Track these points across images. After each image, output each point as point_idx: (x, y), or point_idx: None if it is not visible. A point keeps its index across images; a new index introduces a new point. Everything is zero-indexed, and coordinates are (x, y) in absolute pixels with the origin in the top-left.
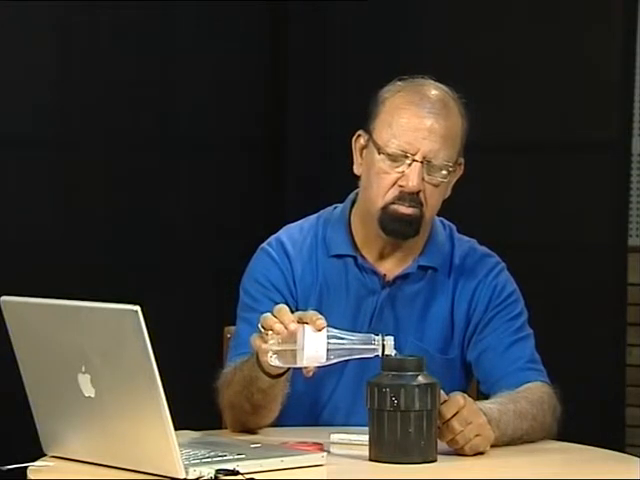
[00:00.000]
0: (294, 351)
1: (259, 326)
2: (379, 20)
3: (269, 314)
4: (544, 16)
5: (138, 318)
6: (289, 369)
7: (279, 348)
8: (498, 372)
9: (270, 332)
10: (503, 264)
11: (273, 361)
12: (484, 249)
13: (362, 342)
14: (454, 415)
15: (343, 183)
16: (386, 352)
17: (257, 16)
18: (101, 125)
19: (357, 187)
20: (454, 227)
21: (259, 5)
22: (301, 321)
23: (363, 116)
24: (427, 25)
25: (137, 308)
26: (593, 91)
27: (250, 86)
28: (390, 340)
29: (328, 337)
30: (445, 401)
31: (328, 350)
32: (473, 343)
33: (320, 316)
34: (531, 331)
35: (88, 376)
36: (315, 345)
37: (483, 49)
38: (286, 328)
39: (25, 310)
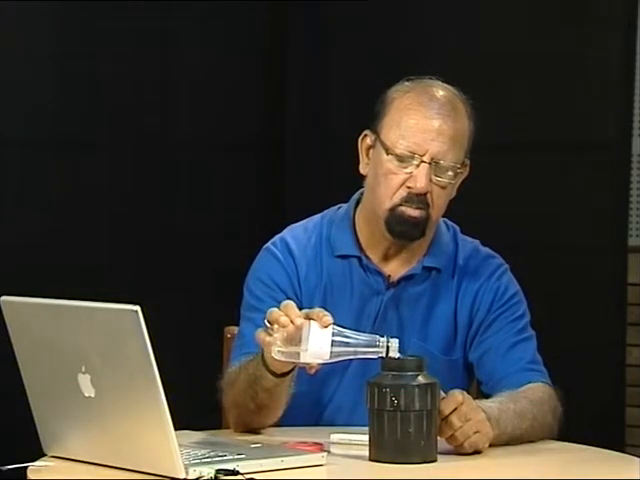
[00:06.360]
0: (298, 346)
1: (265, 320)
2: (379, 20)
3: (275, 309)
4: (544, 16)
5: (138, 318)
6: (294, 368)
7: (284, 343)
8: (500, 373)
9: (275, 326)
10: (506, 265)
11: (277, 354)
12: (488, 250)
13: (367, 343)
14: (453, 411)
15: (344, 183)
16: (390, 354)
17: (257, 16)
18: (101, 125)
19: (359, 187)
20: (457, 228)
21: (259, 5)
22: (307, 317)
23: (363, 116)
24: (427, 25)
25: (137, 308)
26: (593, 91)
27: (250, 86)
28: (395, 342)
29: (333, 335)
30: (444, 398)
31: (332, 348)
32: (475, 344)
33: (327, 313)
34: (533, 332)
35: (88, 376)
36: (320, 342)
37: (483, 49)
38: (292, 322)
39: (25, 310)
